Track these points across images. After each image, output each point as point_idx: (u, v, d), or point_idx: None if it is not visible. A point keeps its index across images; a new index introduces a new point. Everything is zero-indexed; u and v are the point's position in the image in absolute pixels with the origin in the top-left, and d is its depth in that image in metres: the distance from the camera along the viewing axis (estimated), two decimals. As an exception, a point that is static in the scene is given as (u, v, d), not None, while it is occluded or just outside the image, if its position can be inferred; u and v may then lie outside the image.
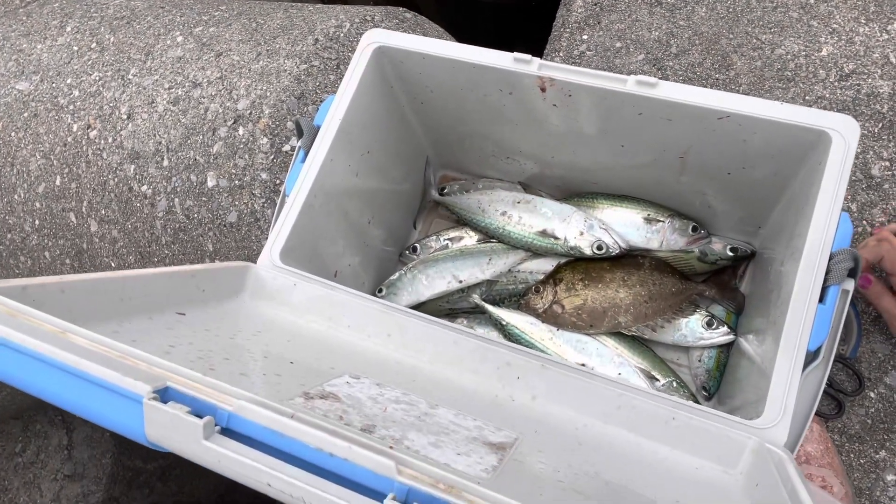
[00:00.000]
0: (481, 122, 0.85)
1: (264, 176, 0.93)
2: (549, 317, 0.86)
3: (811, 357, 0.58)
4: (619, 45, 1.05)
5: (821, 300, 0.58)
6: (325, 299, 0.63)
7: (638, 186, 0.87)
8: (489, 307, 0.88)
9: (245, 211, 0.94)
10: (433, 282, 0.90)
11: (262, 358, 0.52)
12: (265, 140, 0.94)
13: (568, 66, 0.70)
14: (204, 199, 0.97)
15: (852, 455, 0.79)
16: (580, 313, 0.85)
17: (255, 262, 0.70)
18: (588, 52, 1.06)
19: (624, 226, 0.87)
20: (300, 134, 0.76)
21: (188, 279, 0.57)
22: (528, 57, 0.71)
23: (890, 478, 0.77)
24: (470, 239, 0.95)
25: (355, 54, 0.77)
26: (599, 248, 0.85)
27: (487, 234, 0.93)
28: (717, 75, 1.00)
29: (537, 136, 0.83)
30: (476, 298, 0.90)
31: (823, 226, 0.58)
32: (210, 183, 0.97)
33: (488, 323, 0.90)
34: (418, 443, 0.43)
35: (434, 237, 0.96)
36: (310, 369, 0.52)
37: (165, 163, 1.01)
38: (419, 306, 0.91)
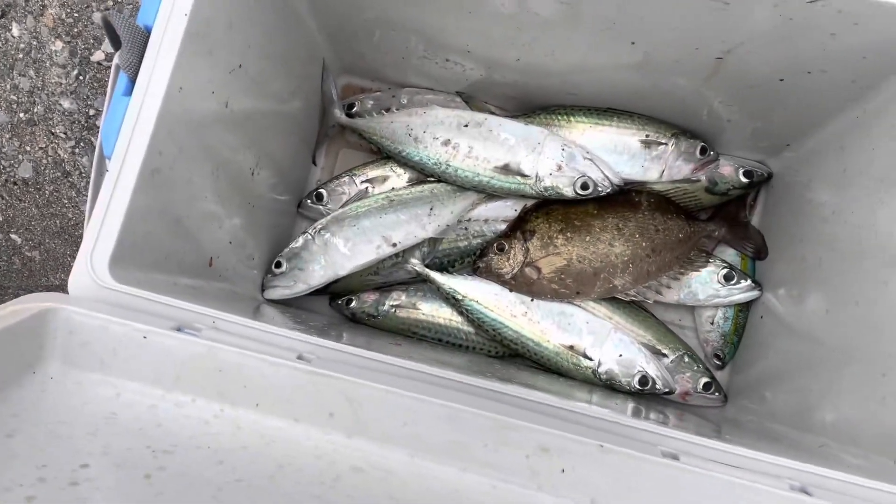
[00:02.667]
0: (411, 8, 0.56)
1: (66, 104, 0.59)
2: (521, 283, 0.63)
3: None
4: None
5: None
6: (207, 362, 0.35)
7: (633, 94, 0.62)
8: (436, 276, 0.64)
9: (45, 160, 0.60)
10: (356, 247, 0.63)
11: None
12: (59, 45, 0.59)
13: (575, -86, 0.42)
14: (-28, 142, 0.61)
15: None
16: (563, 277, 0.63)
17: (66, 279, 0.41)
18: None
19: (613, 152, 0.64)
20: (115, 43, 0.43)
21: None
22: None
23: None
24: (398, 178, 0.67)
25: None
26: (584, 186, 0.62)
27: (423, 172, 0.66)
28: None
29: (499, 30, 0.55)
30: (417, 265, 0.64)
31: None
32: (-23, 117, 0.61)
33: (436, 297, 0.66)
34: None
35: (346, 178, 0.68)
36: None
37: None
38: (338, 281, 0.65)
